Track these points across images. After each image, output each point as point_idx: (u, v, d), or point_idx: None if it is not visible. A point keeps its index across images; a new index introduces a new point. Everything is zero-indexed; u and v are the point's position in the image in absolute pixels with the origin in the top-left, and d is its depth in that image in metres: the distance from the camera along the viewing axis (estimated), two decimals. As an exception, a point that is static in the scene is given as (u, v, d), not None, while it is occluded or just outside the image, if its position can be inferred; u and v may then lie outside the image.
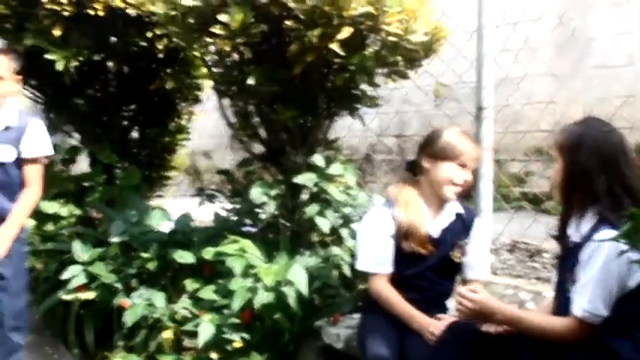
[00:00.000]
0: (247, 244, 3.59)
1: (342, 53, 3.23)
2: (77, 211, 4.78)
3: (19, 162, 3.41)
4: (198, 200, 4.39)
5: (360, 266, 3.05)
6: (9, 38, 4.23)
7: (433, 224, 2.97)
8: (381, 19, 3.29)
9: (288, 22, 3.23)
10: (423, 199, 2.97)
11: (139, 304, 3.65)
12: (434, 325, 2.74)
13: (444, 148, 2.91)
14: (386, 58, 3.46)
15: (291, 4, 3.18)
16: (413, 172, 3.06)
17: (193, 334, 3.63)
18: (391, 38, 3.36)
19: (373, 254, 2.97)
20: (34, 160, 3.46)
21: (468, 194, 3.16)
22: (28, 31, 4.09)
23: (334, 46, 3.20)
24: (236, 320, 3.47)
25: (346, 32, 3.21)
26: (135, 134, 5.06)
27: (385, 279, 2.96)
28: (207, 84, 5.00)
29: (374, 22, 3.30)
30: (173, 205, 4.75)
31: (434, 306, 2.95)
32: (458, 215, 3.01)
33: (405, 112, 6.99)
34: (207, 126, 6.47)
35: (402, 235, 2.93)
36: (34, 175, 3.47)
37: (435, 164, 2.92)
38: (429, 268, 2.97)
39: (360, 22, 3.27)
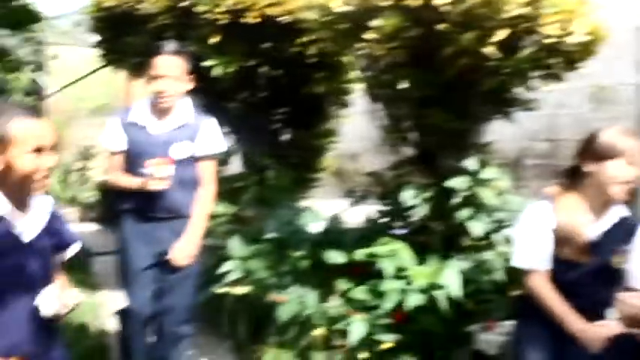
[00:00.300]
0: (399, 245, 3.61)
1: (496, 56, 3.18)
2: (231, 210, 4.98)
3: (194, 159, 3.47)
4: (344, 202, 4.44)
5: (517, 262, 2.91)
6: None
7: (593, 227, 2.85)
8: (537, 21, 3.21)
9: (441, 26, 3.22)
10: (585, 204, 2.87)
11: (292, 301, 3.75)
12: (593, 331, 2.64)
13: (606, 146, 2.79)
14: (542, 60, 3.38)
15: (444, 8, 3.15)
16: (573, 178, 2.95)
17: (343, 333, 3.70)
18: (548, 40, 3.28)
19: (532, 249, 2.85)
20: (208, 157, 3.51)
21: (631, 199, 3.02)
22: (188, 39, 4.30)
23: (488, 49, 3.16)
24: (387, 321, 3.50)
25: (501, 35, 3.16)
26: (285, 137, 5.20)
27: (544, 276, 2.83)
28: (356, 88, 5.08)
29: (530, 24, 3.23)
30: (320, 207, 4.85)
31: (591, 315, 2.83)
32: (621, 219, 2.88)
33: (558, 115, 6.76)
34: (354, 129, 6.55)
35: (560, 239, 2.84)
36: (209, 173, 3.52)
37: (599, 165, 2.80)
38: (586, 274, 2.86)
39: (515, 24, 3.20)
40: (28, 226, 2.22)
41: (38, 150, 2.13)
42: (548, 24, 3.20)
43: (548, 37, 3.26)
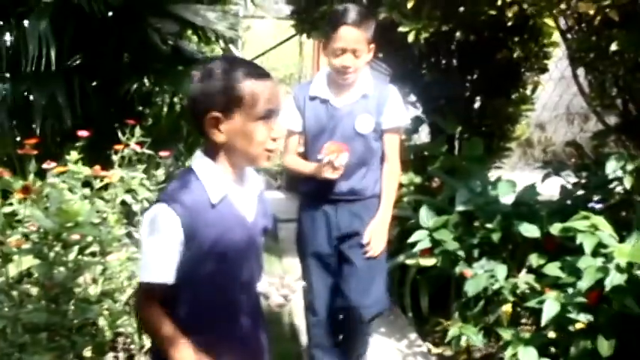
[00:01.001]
0: (599, 220, 3.36)
1: None
2: (417, 180, 4.90)
3: (379, 133, 3.23)
4: (531, 173, 4.23)
5: None
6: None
7: None
8: None
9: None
10: None
11: (481, 274, 3.62)
12: None
13: None
14: None
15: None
16: None
17: (532, 310, 3.53)
18: None
19: None
20: (395, 131, 3.28)
21: None
22: (382, 5, 4.24)
23: None
24: (582, 300, 3.29)
25: None
26: (478, 104, 5.03)
27: None
28: (555, 53, 4.80)
29: None
30: (509, 177, 4.66)
31: None
32: None
33: None
34: (541, 97, 6.23)
35: None
36: (394, 148, 3.28)
37: None
38: None
39: None
40: (248, 205, 1.98)
41: (268, 116, 1.85)
42: None
43: None
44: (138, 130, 4.05)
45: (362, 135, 3.19)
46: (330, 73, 3.24)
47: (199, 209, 1.82)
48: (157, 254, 1.82)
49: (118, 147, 3.98)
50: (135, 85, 5.40)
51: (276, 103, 1.87)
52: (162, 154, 4.24)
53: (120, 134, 4.04)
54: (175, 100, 5.88)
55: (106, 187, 3.79)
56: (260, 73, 1.84)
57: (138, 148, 4.03)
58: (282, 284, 1.99)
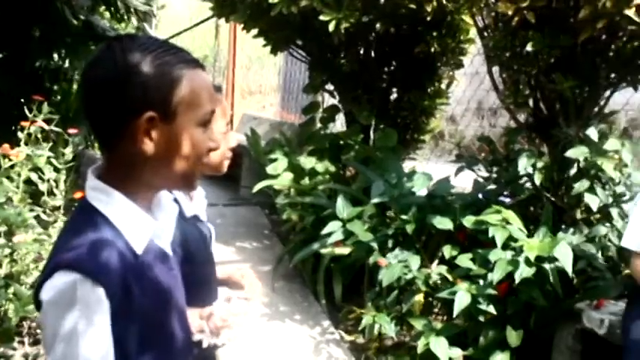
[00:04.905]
0: (510, 214, 3.48)
1: (638, 20, 2.98)
2: (332, 168, 4.93)
3: None
4: (443, 165, 4.32)
5: (626, 243, 2.79)
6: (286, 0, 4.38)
7: None
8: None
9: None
10: None
11: (394, 264, 3.68)
12: None
13: None
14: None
15: (587, -34, 2.98)
16: None
17: (444, 301, 3.63)
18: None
19: None
20: None
21: None
22: (305, -6, 4.22)
23: (630, 12, 2.96)
24: (492, 291, 3.40)
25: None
26: (394, 96, 5.10)
27: None
28: (471, 49, 4.91)
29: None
30: (422, 169, 4.74)
31: None
32: None
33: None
34: (456, 91, 6.38)
35: None
36: None
37: None
38: None
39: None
40: (167, 238, 1.49)
41: (209, 119, 1.37)
42: None
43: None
44: (46, 107, 3.89)
45: None
46: None
47: (125, 266, 1.31)
48: (87, 346, 1.26)
49: (24, 124, 3.80)
50: (44, 61, 5.19)
51: (216, 101, 1.43)
52: (71, 131, 4.08)
53: (27, 111, 3.87)
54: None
55: (12, 166, 3.64)
56: (197, 62, 1.37)
57: (45, 126, 3.87)
58: (213, 330, 1.76)
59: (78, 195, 3.07)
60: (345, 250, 4.09)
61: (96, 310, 1.26)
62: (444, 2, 3.93)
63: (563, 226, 3.66)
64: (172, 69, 1.31)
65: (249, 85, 8.75)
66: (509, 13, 3.24)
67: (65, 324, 1.25)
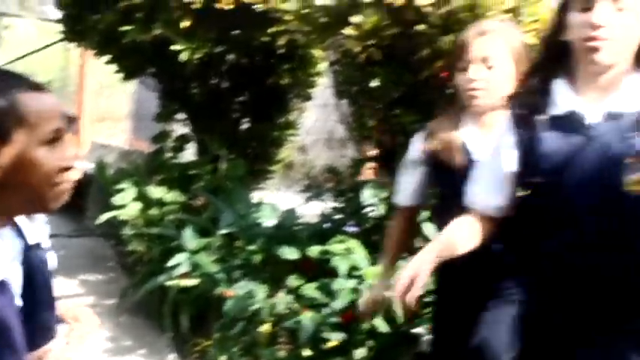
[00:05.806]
0: (354, 244, 3.57)
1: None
2: (181, 198, 4.86)
3: None
4: (293, 195, 4.39)
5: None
6: (138, 28, 4.33)
7: None
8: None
9: (421, 27, 3.19)
10: None
11: (241, 295, 3.67)
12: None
13: None
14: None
15: (427, 9, 3.14)
16: None
17: (290, 330, 3.65)
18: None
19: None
20: None
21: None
22: (158, 21, 4.19)
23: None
24: (335, 320, 3.45)
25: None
26: (244, 126, 5.12)
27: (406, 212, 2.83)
28: (320, 82, 5.03)
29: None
30: (271, 200, 4.78)
31: None
32: None
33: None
34: (306, 122, 6.49)
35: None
36: None
37: None
38: None
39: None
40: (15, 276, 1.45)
41: (56, 138, 1.31)
42: (527, 32, 3.20)
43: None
44: None
45: None
46: None
47: None
48: None
49: None
50: None
51: (62, 122, 1.36)
52: None
53: None
54: None
55: None
56: (37, 85, 1.35)
57: None
58: None
59: None
60: (192, 282, 4.03)
61: None
62: (296, 37, 4.00)
63: (405, 255, 3.77)
64: (10, 90, 1.27)
65: (101, 112, 8.52)
66: (357, 50, 3.35)
67: None
